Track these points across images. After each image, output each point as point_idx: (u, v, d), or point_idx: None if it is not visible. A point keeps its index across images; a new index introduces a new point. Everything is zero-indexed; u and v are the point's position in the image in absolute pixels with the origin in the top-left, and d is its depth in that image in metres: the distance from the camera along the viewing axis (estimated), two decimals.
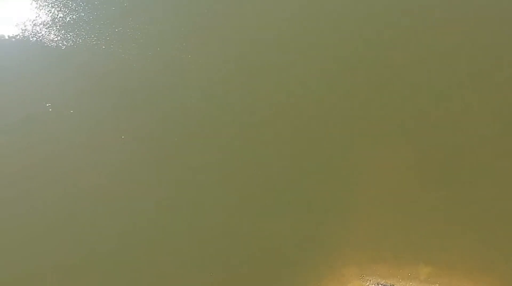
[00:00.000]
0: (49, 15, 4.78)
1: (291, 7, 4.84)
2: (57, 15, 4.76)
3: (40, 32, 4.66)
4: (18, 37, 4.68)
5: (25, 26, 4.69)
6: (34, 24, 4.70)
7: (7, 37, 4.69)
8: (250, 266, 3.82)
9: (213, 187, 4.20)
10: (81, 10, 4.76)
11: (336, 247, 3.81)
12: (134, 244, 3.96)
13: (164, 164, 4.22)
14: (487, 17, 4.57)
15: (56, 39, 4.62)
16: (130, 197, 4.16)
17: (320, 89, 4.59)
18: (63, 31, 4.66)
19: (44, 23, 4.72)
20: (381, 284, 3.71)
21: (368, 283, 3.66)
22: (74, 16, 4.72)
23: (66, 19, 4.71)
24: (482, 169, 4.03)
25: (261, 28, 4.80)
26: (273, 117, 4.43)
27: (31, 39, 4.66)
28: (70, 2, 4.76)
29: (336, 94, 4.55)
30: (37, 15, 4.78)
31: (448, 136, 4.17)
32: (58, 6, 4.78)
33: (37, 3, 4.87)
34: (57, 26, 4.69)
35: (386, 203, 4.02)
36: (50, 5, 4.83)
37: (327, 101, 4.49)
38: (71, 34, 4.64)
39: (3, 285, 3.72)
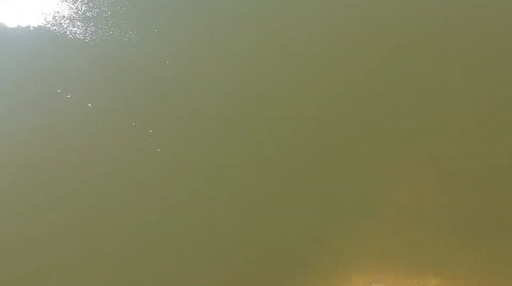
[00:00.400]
0: (73, 8, 4.85)
1: (307, 16, 4.87)
2: (81, 9, 4.84)
3: (63, 24, 4.71)
4: (42, 28, 4.76)
5: (49, 17, 4.76)
6: (58, 16, 4.77)
7: (31, 28, 4.78)
8: (254, 268, 3.80)
9: (222, 187, 4.18)
10: (104, 5, 4.83)
11: (344, 252, 3.79)
12: (144, 242, 3.96)
13: (176, 162, 4.23)
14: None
15: (78, 31, 4.68)
16: (140, 195, 4.15)
17: (332, 94, 4.56)
18: (85, 24, 4.72)
19: (68, 15, 4.78)
20: None
21: None
22: (97, 10, 4.79)
23: (89, 12, 4.78)
24: (498, 180, 3.98)
25: (280, 37, 4.79)
26: (290, 119, 4.40)
27: (53, 30, 4.73)
28: None
29: (348, 103, 4.50)
30: (62, 7, 4.85)
31: (464, 146, 4.13)
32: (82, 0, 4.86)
33: None
34: (80, 19, 4.75)
35: (397, 210, 3.98)
36: None
37: (341, 107, 4.46)
38: (93, 28, 4.70)
39: (2, 284, 3.74)
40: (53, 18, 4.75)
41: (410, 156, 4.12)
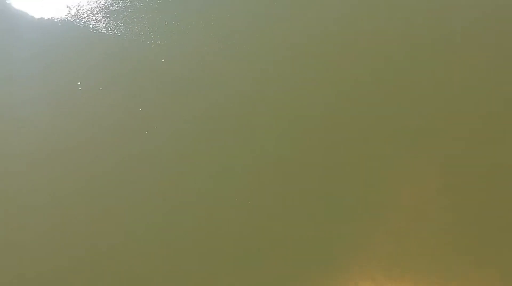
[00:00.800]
0: (96, 2, 4.92)
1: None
2: (104, 3, 4.90)
3: (86, 17, 4.79)
4: (65, 20, 4.83)
5: (73, 10, 4.85)
6: (81, 10, 4.85)
7: (55, 20, 4.86)
8: (259, 273, 3.78)
9: (228, 187, 4.16)
10: (127, 1, 4.90)
11: (352, 259, 3.75)
12: (150, 242, 3.94)
13: (185, 161, 4.23)
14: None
15: (100, 25, 4.74)
16: (146, 194, 4.13)
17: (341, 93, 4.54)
18: (107, 19, 4.79)
19: (91, 9, 4.85)
20: None
21: None
22: (120, 5, 4.85)
23: (112, 7, 4.85)
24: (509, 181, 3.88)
25: (292, 37, 4.78)
26: (297, 119, 4.37)
27: (76, 23, 4.80)
28: None
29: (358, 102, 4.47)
30: (85, 1, 4.94)
31: (472, 146, 4.04)
32: None
33: None
34: (102, 13, 4.81)
35: (406, 213, 3.91)
36: None
37: (348, 108, 4.38)
38: (115, 22, 4.77)
39: (5, 284, 3.76)
40: (76, 10, 4.83)
41: (419, 156, 4.04)
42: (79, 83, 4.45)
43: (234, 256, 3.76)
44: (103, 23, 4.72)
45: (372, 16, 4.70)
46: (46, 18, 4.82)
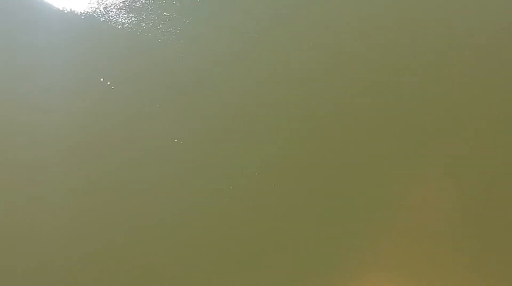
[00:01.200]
0: None
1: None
2: None
3: (108, 12, 4.82)
4: (88, 15, 4.86)
5: (94, 4, 4.86)
6: (103, 4, 4.87)
7: (78, 14, 4.87)
8: (264, 273, 3.84)
9: (234, 187, 4.22)
10: None
11: (359, 268, 3.83)
12: (158, 242, 3.96)
13: (196, 160, 4.31)
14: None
15: (122, 21, 4.76)
16: (156, 194, 4.19)
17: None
18: (128, 14, 4.81)
19: (113, 4, 4.87)
20: None
21: None
22: (142, 1, 4.90)
23: (134, 4, 4.87)
24: None
25: (305, 41, 4.79)
26: (305, 119, 4.41)
27: (99, 18, 4.81)
28: None
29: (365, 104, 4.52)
30: None
31: (481, 147, 4.15)
32: None
33: None
34: (125, 8, 4.83)
35: (413, 217, 4.04)
36: None
37: (357, 108, 4.34)
38: (136, 18, 4.79)
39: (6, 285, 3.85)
40: (97, 4, 4.85)
41: (428, 157, 4.01)
42: (102, 79, 4.50)
43: (240, 256, 3.78)
44: (125, 19, 4.73)
45: (382, 17, 4.69)
46: (67, 11, 4.81)
